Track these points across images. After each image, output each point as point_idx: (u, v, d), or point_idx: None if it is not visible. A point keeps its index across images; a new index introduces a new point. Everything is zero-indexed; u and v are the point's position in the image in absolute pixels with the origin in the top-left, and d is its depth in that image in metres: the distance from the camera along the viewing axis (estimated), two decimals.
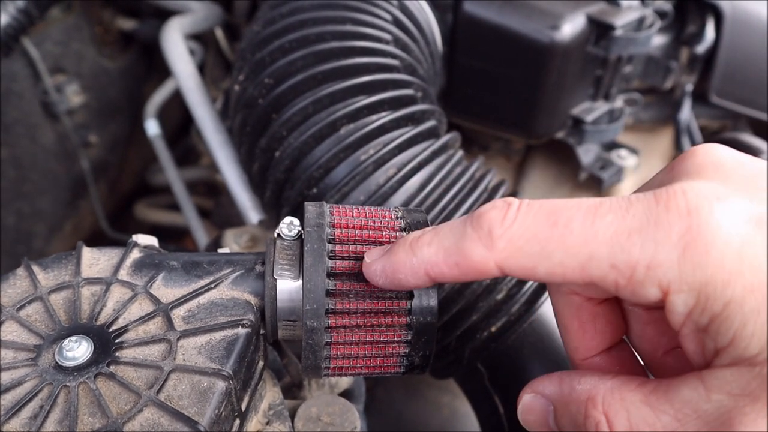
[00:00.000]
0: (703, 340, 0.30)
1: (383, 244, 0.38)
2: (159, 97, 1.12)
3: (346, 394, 0.52)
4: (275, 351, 0.49)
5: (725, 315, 0.27)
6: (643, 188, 0.34)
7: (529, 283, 0.56)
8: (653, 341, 0.37)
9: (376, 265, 0.36)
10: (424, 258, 0.34)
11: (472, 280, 0.33)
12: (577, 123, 0.85)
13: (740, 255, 0.27)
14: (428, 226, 0.39)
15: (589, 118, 0.85)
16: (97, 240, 1.22)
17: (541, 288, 0.56)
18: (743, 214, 0.28)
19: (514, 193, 0.62)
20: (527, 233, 0.31)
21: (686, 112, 0.94)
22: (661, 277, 0.28)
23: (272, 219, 0.69)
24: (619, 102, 0.89)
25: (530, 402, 0.36)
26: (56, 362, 0.34)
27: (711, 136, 1.00)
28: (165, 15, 1.10)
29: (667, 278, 0.28)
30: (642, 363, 0.38)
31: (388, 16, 0.68)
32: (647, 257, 0.28)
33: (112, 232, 1.22)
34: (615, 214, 0.30)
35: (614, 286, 0.30)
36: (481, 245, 0.32)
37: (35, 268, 0.40)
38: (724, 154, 0.32)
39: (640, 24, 0.80)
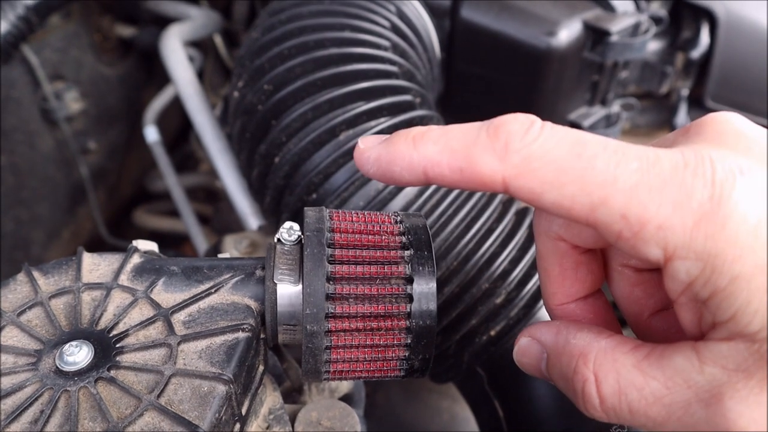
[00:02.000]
0: (700, 311, 0.29)
1: (383, 249, 0.38)
2: (158, 103, 1.12)
3: (346, 399, 0.52)
4: (275, 356, 0.49)
5: (730, 290, 0.27)
6: (655, 145, 0.32)
7: (528, 287, 0.56)
8: (640, 303, 0.37)
9: (371, 152, 0.34)
10: (426, 154, 0.31)
11: (471, 189, 0.31)
12: (574, 128, 0.86)
13: (755, 232, 0.27)
14: (427, 230, 0.40)
15: (587, 123, 0.85)
16: (96, 246, 1.22)
17: (540, 292, 0.56)
18: (763, 191, 0.27)
19: (512, 198, 0.62)
20: (546, 156, 0.29)
21: (682, 117, 0.95)
22: (669, 240, 0.27)
23: (272, 225, 0.69)
24: (615, 107, 0.90)
25: (526, 345, 0.36)
26: (57, 367, 0.35)
27: None
28: (164, 22, 1.10)
29: (675, 243, 0.27)
30: (618, 317, 0.38)
31: (386, 23, 0.69)
32: (661, 217, 0.27)
33: (111, 239, 1.22)
34: (640, 164, 0.28)
35: (616, 236, 0.29)
36: (493, 156, 0.30)
37: (36, 274, 0.40)
38: (744, 123, 0.31)
39: (635, 30, 0.81)
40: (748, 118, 0.32)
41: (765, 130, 0.31)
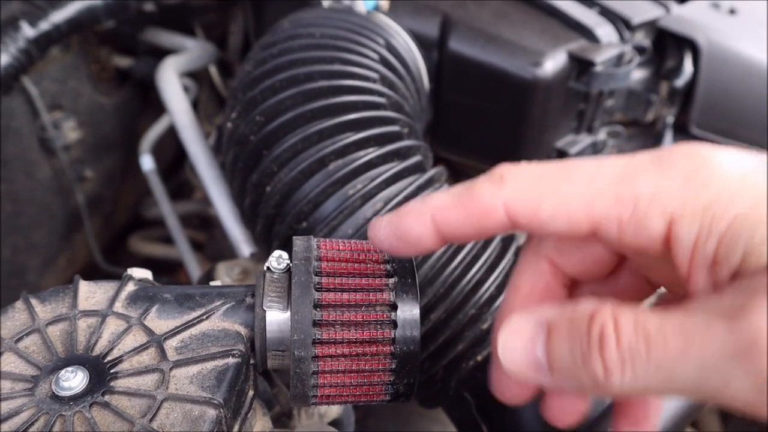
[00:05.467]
0: (715, 273, 0.28)
1: (368, 277, 0.40)
2: (153, 133, 1.14)
3: (336, 424, 0.54)
4: (266, 381, 0.50)
5: (733, 229, 0.27)
6: None
7: None
8: None
9: (382, 220, 0.36)
10: (432, 203, 0.34)
11: (478, 231, 0.33)
12: (562, 155, 0.88)
13: (742, 180, 0.28)
14: (411, 258, 0.41)
15: (573, 150, 0.87)
16: (91, 273, 1.23)
17: None
18: (742, 160, 0.29)
19: None
20: (536, 173, 0.32)
21: (668, 144, 0.97)
22: (665, 206, 0.29)
23: (263, 252, 0.70)
24: (602, 134, 0.92)
25: (521, 322, 0.31)
26: (53, 392, 0.36)
27: None
28: (160, 53, 1.13)
29: (672, 206, 0.28)
30: None
31: (375, 56, 0.71)
32: (651, 188, 0.29)
33: (106, 265, 1.23)
34: (622, 158, 0.31)
35: (617, 223, 0.30)
36: (490, 185, 0.32)
37: (33, 301, 0.41)
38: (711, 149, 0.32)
39: (619, 60, 0.83)
40: (732, 146, 0.34)
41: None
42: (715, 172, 0.29)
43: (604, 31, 0.84)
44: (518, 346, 0.31)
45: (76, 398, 0.36)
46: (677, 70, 0.93)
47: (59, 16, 0.89)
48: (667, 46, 0.95)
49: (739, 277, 0.27)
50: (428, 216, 0.34)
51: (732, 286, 0.27)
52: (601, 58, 0.80)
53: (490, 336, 0.36)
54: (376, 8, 0.79)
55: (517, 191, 0.31)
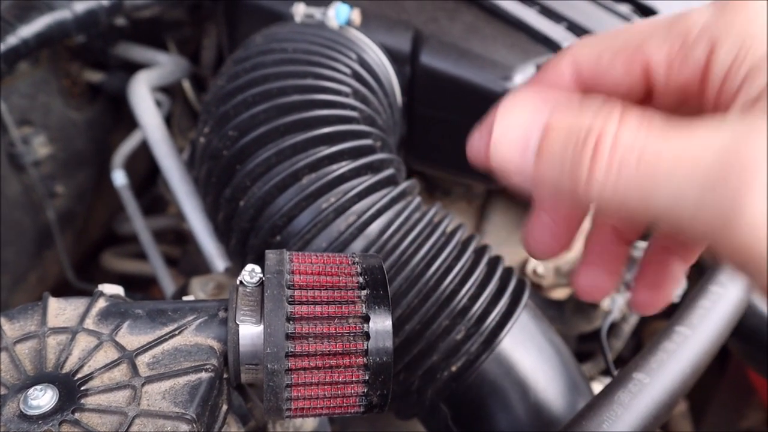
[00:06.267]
0: (735, 97, 0.29)
1: (340, 289, 0.40)
2: (126, 148, 1.13)
3: None
4: (240, 395, 0.50)
5: (761, 66, 0.28)
6: None
7: (487, 323, 0.58)
8: None
9: (476, 138, 0.34)
10: (523, 87, 0.36)
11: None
12: None
13: None
14: (383, 270, 0.41)
15: None
16: (63, 290, 1.21)
17: (499, 326, 0.58)
18: None
19: (472, 236, 0.64)
20: (599, 36, 0.34)
21: None
22: (711, 34, 0.30)
23: (238, 267, 0.70)
24: None
25: (519, 114, 0.31)
26: (21, 411, 0.35)
27: None
28: (132, 67, 1.12)
29: (715, 35, 0.30)
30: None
31: (347, 70, 0.72)
32: (700, 22, 0.30)
33: (78, 282, 1.21)
34: (678, 14, 0.32)
35: (668, 58, 0.31)
36: (558, 55, 0.35)
37: (2, 320, 0.41)
38: None
39: None
40: None
41: None
42: (744, 4, 0.30)
43: None
44: (511, 141, 0.30)
45: (45, 417, 0.35)
46: None
47: (28, 30, 0.88)
48: None
49: (757, 103, 0.27)
50: (526, 96, 0.32)
51: (743, 112, 0.28)
52: None
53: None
54: (349, 23, 0.80)
55: (580, 47, 0.34)
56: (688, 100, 0.32)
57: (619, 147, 0.27)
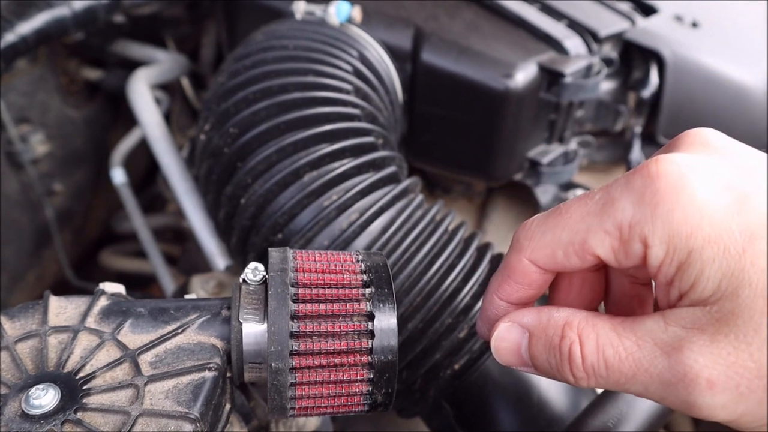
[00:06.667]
0: (669, 290, 0.34)
1: (344, 287, 0.40)
2: (125, 146, 1.13)
3: None
4: (243, 394, 0.49)
5: (688, 263, 0.32)
6: None
7: None
8: (624, 313, 0.40)
9: (480, 326, 0.43)
10: (490, 290, 0.41)
11: (529, 289, 0.40)
12: (534, 165, 0.89)
13: (701, 211, 0.31)
14: (387, 268, 0.41)
15: (545, 160, 0.88)
16: (62, 289, 1.21)
17: None
18: (710, 177, 0.32)
19: (474, 234, 0.64)
20: (540, 228, 0.37)
21: (637, 153, 0.99)
22: (641, 233, 0.33)
23: (239, 265, 0.70)
24: (573, 144, 0.94)
25: (506, 330, 0.39)
26: (23, 410, 0.35)
27: None
28: (131, 65, 1.12)
29: (645, 233, 0.33)
30: None
31: (348, 67, 0.71)
32: (628, 217, 0.33)
33: (77, 281, 1.21)
34: (602, 192, 0.35)
35: (612, 252, 0.34)
36: (515, 252, 0.39)
37: (2, 318, 0.40)
38: (716, 135, 0.36)
39: (588, 71, 0.85)
40: None
41: (740, 143, 0.36)
42: (677, 199, 0.32)
43: (573, 43, 0.86)
44: (505, 347, 0.39)
45: (47, 416, 0.35)
46: (644, 81, 0.95)
47: (26, 27, 0.88)
48: (633, 58, 0.97)
49: (686, 298, 0.33)
50: (496, 299, 0.41)
51: (675, 315, 0.33)
52: (571, 69, 0.81)
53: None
54: (349, 20, 0.79)
55: (534, 250, 0.37)
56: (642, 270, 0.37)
57: (587, 357, 0.35)
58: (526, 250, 0.38)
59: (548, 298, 0.43)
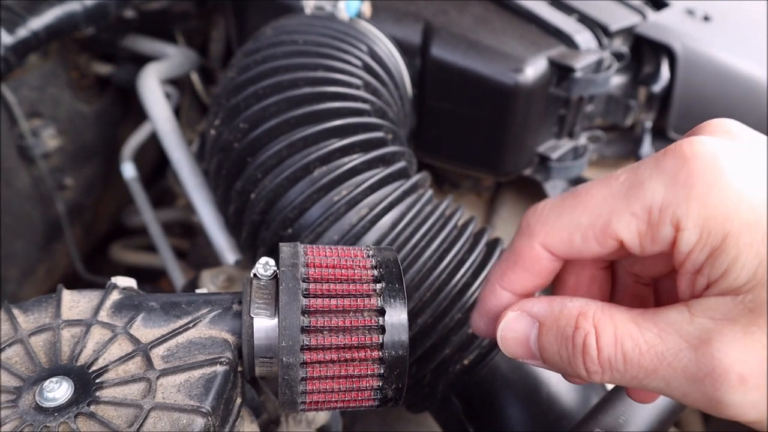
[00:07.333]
0: (695, 279, 0.32)
1: (355, 282, 0.40)
2: (135, 140, 1.13)
3: (324, 430, 0.53)
4: (253, 388, 0.50)
5: (722, 248, 0.30)
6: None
7: None
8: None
9: (474, 318, 0.41)
10: (492, 279, 0.38)
11: (536, 278, 0.37)
12: (543, 160, 0.89)
13: (740, 194, 0.30)
14: (398, 263, 0.41)
15: (555, 155, 0.88)
16: (72, 283, 1.21)
17: None
18: (744, 161, 0.31)
19: (484, 229, 0.64)
20: (555, 211, 0.35)
21: (647, 148, 0.99)
22: (673, 215, 0.31)
23: (248, 260, 0.70)
24: (582, 139, 0.93)
25: (514, 319, 0.37)
26: (37, 403, 0.35)
27: None
28: (141, 59, 1.12)
29: (677, 215, 0.31)
30: None
31: (358, 62, 0.71)
32: (659, 199, 0.31)
33: (87, 275, 1.22)
34: (628, 173, 0.33)
35: (638, 237, 0.32)
36: (525, 237, 0.36)
37: (15, 312, 0.41)
38: (738, 125, 0.34)
39: (598, 66, 0.85)
40: None
41: (756, 132, 0.34)
42: (715, 180, 0.30)
43: (583, 37, 0.86)
44: (512, 338, 0.37)
45: (60, 409, 0.35)
46: (654, 75, 0.95)
47: (38, 22, 0.88)
48: (644, 52, 0.96)
49: (714, 286, 0.31)
50: (498, 289, 0.38)
51: (702, 306, 0.31)
52: (581, 64, 0.81)
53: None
54: (359, 15, 0.79)
55: (548, 235, 0.35)
56: (665, 258, 0.35)
57: (603, 350, 0.32)
58: (538, 234, 0.35)
59: (554, 291, 0.41)
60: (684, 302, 0.32)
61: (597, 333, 0.33)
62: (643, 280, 0.40)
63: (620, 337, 0.32)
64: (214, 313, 0.41)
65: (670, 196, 0.31)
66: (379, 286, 0.40)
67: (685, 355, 0.31)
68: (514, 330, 0.37)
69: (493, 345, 0.57)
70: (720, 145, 0.31)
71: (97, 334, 0.39)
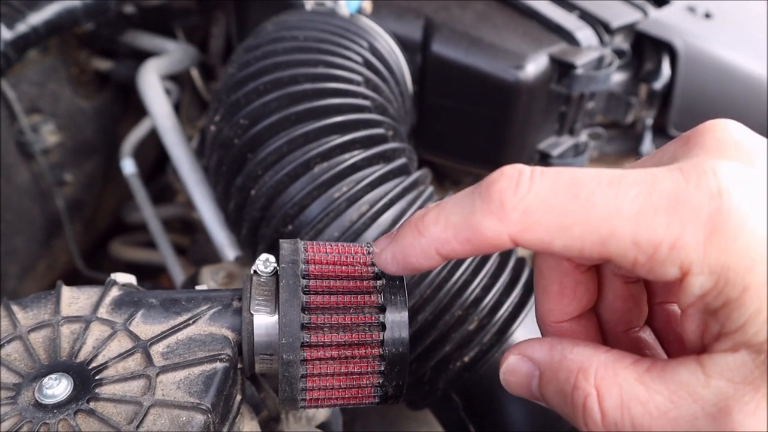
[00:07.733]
0: (707, 323, 0.29)
1: (356, 279, 0.39)
2: (135, 136, 1.13)
3: (324, 427, 0.53)
4: (253, 385, 0.49)
5: (741, 301, 0.27)
6: (652, 159, 0.33)
7: (500, 313, 0.57)
8: (618, 316, 0.37)
9: (386, 253, 0.35)
10: (432, 237, 0.32)
11: (487, 254, 0.35)
12: (544, 157, 0.88)
13: (764, 243, 0.26)
14: None
15: (556, 152, 0.88)
16: (72, 279, 1.22)
17: (512, 317, 0.58)
18: (764, 200, 0.27)
19: None
20: (544, 205, 0.29)
21: (648, 145, 0.98)
22: (684, 258, 0.27)
23: (249, 256, 0.70)
24: (583, 136, 0.93)
25: (515, 363, 0.35)
26: (36, 400, 0.35)
27: None
28: (140, 55, 1.12)
29: (690, 259, 0.27)
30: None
31: (359, 59, 0.71)
32: (673, 237, 0.27)
33: (87, 271, 1.22)
34: (640, 189, 0.28)
35: (632, 263, 0.28)
36: (492, 218, 0.30)
37: (14, 308, 0.40)
38: (742, 130, 0.31)
39: (599, 63, 0.84)
40: None
41: (763, 138, 0.31)
42: (742, 225, 0.27)
43: (584, 34, 0.85)
44: (515, 382, 0.35)
45: (60, 406, 0.35)
46: (655, 72, 0.94)
47: (37, 17, 0.88)
48: (645, 49, 0.96)
49: (729, 338, 0.28)
50: (433, 251, 0.33)
51: (718, 366, 0.28)
52: (582, 61, 0.81)
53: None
54: (360, 11, 0.79)
55: (525, 229, 0.29)
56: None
57: (608, 414, 0.29)
58: (510, 220, 0.29)
59: (536, 302, 0.38)
60: (695, 357, 0.29)
61: (599, 395, 0.30)
62: (633, 279, 0.37)
63: (627, 401, 0.29)
64: (214, 310, 0.41)
65: (688, 237, 0.27)
66: (379, 283, 0.39)
67: (702, 425, 0.27)
68: (516, 374, 0.35)
69: (494, 342, 0.57)
70: (744, 178, 0.28)
71: (97, 331, 0.39)
